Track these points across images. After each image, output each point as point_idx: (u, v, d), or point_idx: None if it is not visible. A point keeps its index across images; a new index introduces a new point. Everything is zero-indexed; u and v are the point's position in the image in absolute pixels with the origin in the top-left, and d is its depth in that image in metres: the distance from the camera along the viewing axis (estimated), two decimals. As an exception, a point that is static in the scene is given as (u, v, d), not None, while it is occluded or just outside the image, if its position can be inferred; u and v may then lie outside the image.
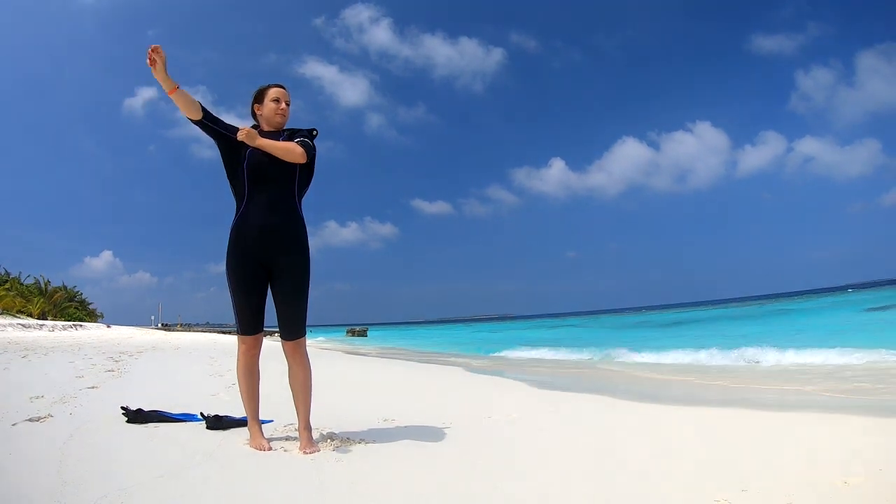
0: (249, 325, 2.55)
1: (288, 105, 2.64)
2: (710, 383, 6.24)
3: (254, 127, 2.61)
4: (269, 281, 2.54)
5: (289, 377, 2.59)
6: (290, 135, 2.59)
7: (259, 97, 2.64)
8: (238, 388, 2.63)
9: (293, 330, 2.55)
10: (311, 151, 2.52)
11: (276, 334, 2.68)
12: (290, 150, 2.46)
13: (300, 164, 2.52)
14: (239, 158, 2.50)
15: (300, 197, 2.59)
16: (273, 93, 2.62)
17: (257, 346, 2.60)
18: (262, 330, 2.62)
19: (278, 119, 2.61)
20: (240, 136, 2.40)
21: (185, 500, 1.75)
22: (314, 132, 2.62)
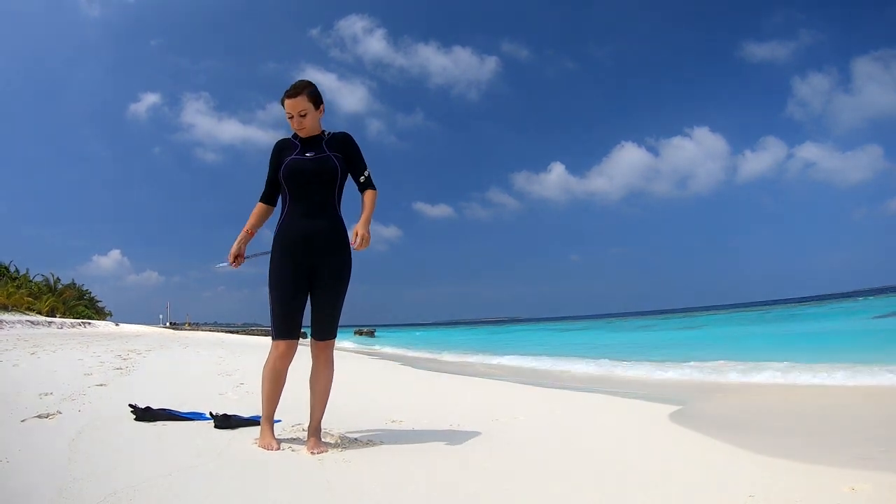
0: (287, 329, 2.48)
1: (303, 114, 2.50)
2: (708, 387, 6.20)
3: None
4: (310, 284, 2.51)
5: (311, 377, 2.58)
6: (329, 139, 2.57)
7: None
8: (260, 389, 2.55)
9: (327, 330, 2.55)
10: (374, 187, 2.63)
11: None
12: (374, 201, 2.61)
13: (341, 172, 2.53)
14: (279, 170, 2.52)
15: (339, 200, 2.59)
16: (285, 108, 2.51)
17: (290, 354, 2.52)
18: (299, 337, 2.54)
19: (301, 134, 2.56)
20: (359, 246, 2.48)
21: (194, 498, 1.76)
22: (366, 173, 2.62)
